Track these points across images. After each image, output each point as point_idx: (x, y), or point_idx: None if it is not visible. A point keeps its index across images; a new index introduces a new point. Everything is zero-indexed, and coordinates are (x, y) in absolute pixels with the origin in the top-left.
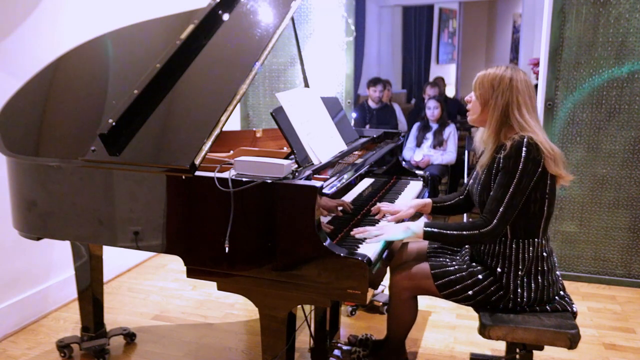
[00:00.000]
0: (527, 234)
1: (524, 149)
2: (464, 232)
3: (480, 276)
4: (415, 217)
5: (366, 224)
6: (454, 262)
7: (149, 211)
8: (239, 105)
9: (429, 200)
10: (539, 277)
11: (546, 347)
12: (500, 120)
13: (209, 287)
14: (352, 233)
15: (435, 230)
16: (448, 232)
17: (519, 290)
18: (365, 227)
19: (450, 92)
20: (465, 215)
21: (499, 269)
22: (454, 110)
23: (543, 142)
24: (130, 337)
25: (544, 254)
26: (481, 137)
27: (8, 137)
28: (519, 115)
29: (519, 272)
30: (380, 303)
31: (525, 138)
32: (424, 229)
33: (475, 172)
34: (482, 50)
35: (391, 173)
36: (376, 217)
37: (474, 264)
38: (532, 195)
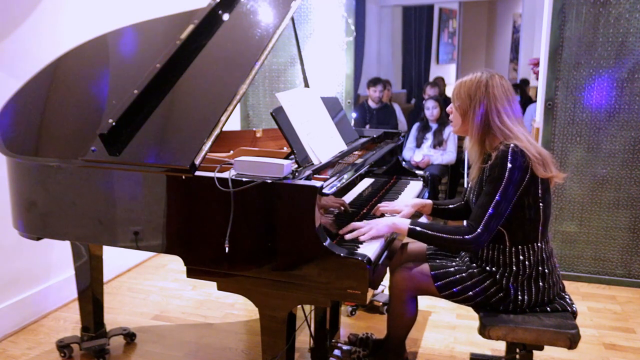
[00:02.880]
0: (526, 239)
1: (509, 157)
2: (447, 236)
3: (480, 277)
4: (415, 216)
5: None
6: (453, 263)
7: (149, 211)
8: (239, 105)
9: (429, 201)
10: (540, 280)
11: (546, 347)
12: (482, 130)
13: (209, 287)
14: (340, 232)
15: (419, 229)
16: (431, 232)
17: (519, 293)
18: (352, 224)
19: (450, 92)
20: (465, 222)
21: (499, 273)
22: None
23: (528, 148)
24: (130, 337)
25: (544, 256)
26: (469, 147)
27: (8, 137)
28: (500, 123)
29: (520, 277)
30: (380, 303)
31: (510, 146)
32: (409, 226)
33: (469, 185)
34: (482, 50)
35: (391, 173)
36: (376, 214)
37: (474, 265)
38: (525, 201)
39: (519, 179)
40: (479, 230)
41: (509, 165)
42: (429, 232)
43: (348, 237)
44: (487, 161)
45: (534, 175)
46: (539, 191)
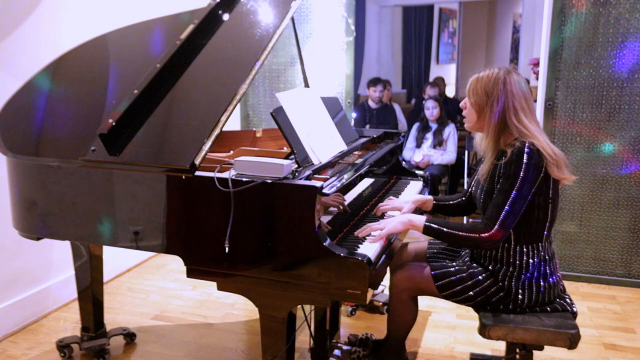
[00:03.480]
0: (531, 239)
1: (525, 155)
2: (464, 234)
3: (480, 277)
4: (415, 213)
5: (368, 221)
6: (454, 263)
7: (149, 211)
8: (239, 105)
9: (430, 197)
10: (541, 280)
11: (546, 347)
12: (498, 128)
13: (209, 287)
14: (355, 233)
15: (435, 226)
16: (448, 230)
17: (520, 292)
18: (368, 224)
19: (450, 92)
20: (465, 217)
21: (501, 273)
22: (454, 110)
23: (545, 148)
24: (130, 337)
25: (547, 257)
26: (480, 142)
27: (8, 137)
28: (517, 121)
29: (522, 276)
30: (380, 303)
31: (526, 144)
32: (425, 223)
33: (476, 179)
34: (482, 50)
35: (391, 173)
36: (377, 214)
37: (474, 264)
38: (535, 201)
39: (534, 177)
40: (495, 228)
41: (525, 162)
42: (445, 229)
43: (362, 234)
44: (500, 158)
45: (547, 175)
46: (550, 191)
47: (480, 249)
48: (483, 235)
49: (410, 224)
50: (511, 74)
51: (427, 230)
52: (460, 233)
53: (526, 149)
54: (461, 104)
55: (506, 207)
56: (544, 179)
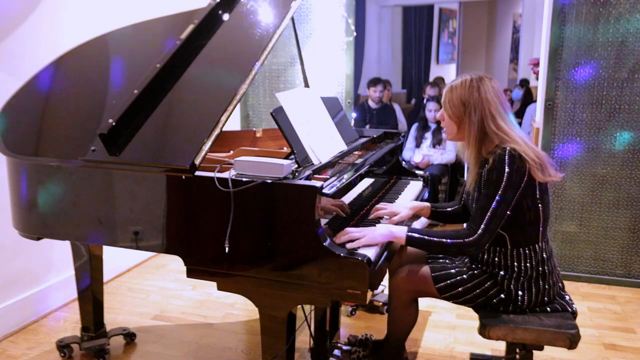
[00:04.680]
0: (527, 241)
1: (506, 160)
2: (448, 241)
3: (481, 279)
4: (413, 218)
5: (365, 224)
6: (454, 265)
7: (148, 211)
8: (239, 105)
9: (427, 204)
10: (540, 280)
11: (546, 347)
12: (479, 137)
13: (209, 287)
14: (334, 240)
15: (418, 235)
16: (428, 238)
17: (520, 294)
18: (346, 229)
19: None
20: (465, 225)
21: (500, 276)
22: None
23: (527, 152)
24: (130, 337)
25: (544, 256)
26: (463, 151)
27: (8, 137)
28: (496, 128)
29: (521, 278)
30: (380, 303)
31: (507, 149)
32: (407, 234)
33: (466, 190)
34: (482, 50)
35: (391, 173)
36: (371, 217)
37: (474, 266)
38: (524, 204)
39: (517, 182)
40: (479, 232)
41: (507, 169)
42: (427, 237)
43: (340, 240)
44: (484, 166)
45: (532, 178)
46: (537, 192)
47: (464, 254)
48: (467, 240)
49: (392, 236)
50: (483, 80)
51: (409, 241)
52: (444, 240)
53: (507, 155)
54: (438, 116)
55: (489, 212)
56: (528, 182)
